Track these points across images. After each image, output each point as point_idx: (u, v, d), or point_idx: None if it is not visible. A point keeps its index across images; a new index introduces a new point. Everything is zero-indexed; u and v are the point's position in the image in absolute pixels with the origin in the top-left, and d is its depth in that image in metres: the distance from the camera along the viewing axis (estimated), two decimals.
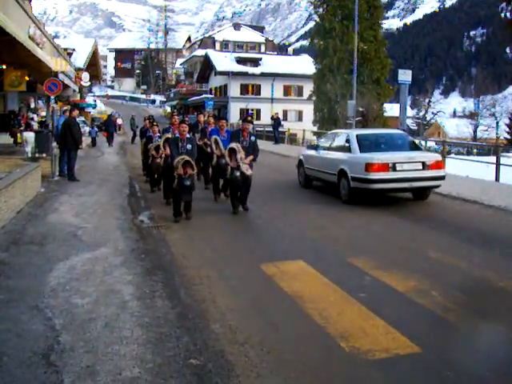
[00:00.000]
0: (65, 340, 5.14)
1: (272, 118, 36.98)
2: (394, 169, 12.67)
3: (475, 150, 48.12)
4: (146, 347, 5.04)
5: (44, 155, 17.86)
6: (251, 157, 12.10)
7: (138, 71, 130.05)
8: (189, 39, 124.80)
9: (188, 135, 11.56)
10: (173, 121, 14.47)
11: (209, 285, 6.97)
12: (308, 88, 50.62)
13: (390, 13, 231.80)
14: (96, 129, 34.92)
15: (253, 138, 12.29)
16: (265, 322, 5.77)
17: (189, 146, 11.29)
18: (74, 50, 39.55)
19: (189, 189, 10.95)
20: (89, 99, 58.63)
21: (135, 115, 46.18)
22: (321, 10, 43.61)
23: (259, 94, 63.15)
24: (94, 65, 43.23)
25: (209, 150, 14.28)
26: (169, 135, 13.23)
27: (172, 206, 11.45)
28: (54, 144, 17.61)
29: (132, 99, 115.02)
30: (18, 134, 21.75)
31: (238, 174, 11.67)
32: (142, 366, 4.67)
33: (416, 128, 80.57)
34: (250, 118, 12.82)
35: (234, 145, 11.81)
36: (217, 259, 8.40)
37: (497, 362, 4.92)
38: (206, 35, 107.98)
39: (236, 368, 4.69)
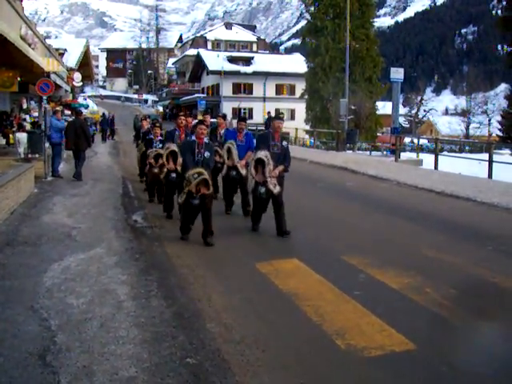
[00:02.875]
0: (61, 340, 5.14)
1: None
2: None
3: (467, 148, 48.25)
4: (142, 347, 5.04)
5: (37, 156, 17.79)
6: (281, 168, 9.83)
7: (129, 71, 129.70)
8: (180, 39, 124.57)
9: (206, 140, 9.54)
10: (179, 122, 11.96)
11: (204, 284, 6.98)
12: (300, 87, 50.66)
13: (382, 11, 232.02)
14: (94, 127, 36.64)
15: (285, 144, 10.09)
16: (260, 321, 5.78)
17: (207, 154, 9.31)
18: (65, 50, 39.41)
19: (195, 210, 9.31)
20: (81, 99, 58.46)
21: (139, 115, 46.05)
22: (312, 8, 43.63)
23: (251, 93, 63.16)
24: (85, 65, 43.05)
25: (220, 158, 12.19)
26: (174, 147, 11.23)
27: (180, 222, 9.73)
28: (47, 145, 17.56)
29: (125, 99, 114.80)
30: (11, 135, 21.66)
31: (262, 190, 9.66)
32: (138, 365, 4.67)
33: (408, 126, 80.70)
34: (281, 115, 10.41)
35: (262, 155, 9.58)
36: (211, 258, 8.40)
37: (491, 358, 4.95)
38: (198, 34, 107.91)
39: (232, 367, 4.70)
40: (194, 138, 9.52)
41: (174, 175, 11.11)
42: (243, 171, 11.59)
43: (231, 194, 12.23)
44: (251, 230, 10.19)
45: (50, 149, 17.48)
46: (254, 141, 11.21)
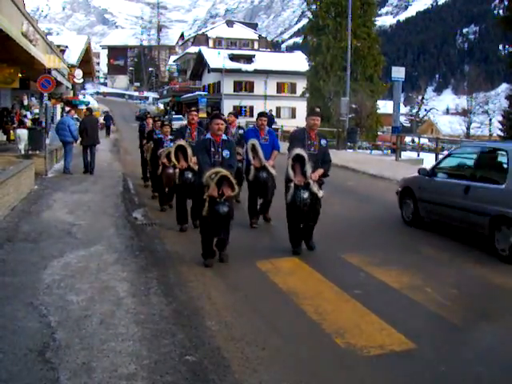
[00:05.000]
0: (60, 337, 5.14)
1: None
2: None
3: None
4: (141, 344, 5.04)
5: (37, 152, 17.80)
6: (321, 171, 8.25)
7: (130, 68, 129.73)
8: (182, 36, 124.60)
9: (225, 136, 8.02)
10: (190, 118, 10.59)
11: (204, 281, 6.98)
12: (301, 85, 50.63)
13: (383, 10, 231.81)
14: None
15: (324, 142, 8.44)
16: (260, 319, 5.78)
17: (226, 153, 7.79)
18: (66, 46, 39.29)
19: (226, 219, 7.55)
20: (86, 96, 58.69)
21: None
22: (314, 6, 43.58)
23: (252, 91, 63.12)
24: (87, 62, 42.93)
25: (240, 155, 11.02)
26: (182, 142, 9.98)
27: (201, 241, 7.99)
28: (48, 141, 17.58)
29: (129, 97, 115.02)
30: (11, 131, 21.67)
31: (305, 195, 7.90)
32: (137, 362, 4.67)
33: (409, 125, 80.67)
34: (318, 110, 8.62)
35: (299, 151, 7.96)
36: None
37: (491, 358, 4.95)
38: (199, 32, 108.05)
39: (232, 364, 4.71)
40: (209, 135, 7.95)
41: (189, 175, 9.77)
42: (273, 171, 10.19)
43: (257, 201, 10.58)
44: (292, 254, 8.35)
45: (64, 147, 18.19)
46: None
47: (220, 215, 7.36)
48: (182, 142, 10.02)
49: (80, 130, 18.40)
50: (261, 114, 10.96)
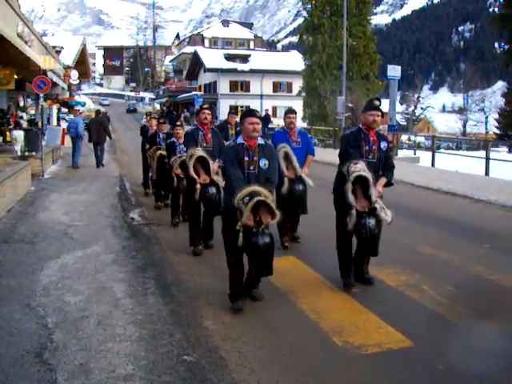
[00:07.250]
0: (58, 338, 5.13)
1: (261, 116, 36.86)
2: None
3: (464, 145, 48.30)
4: (139, 344, 5.04)
5: (33, 153, 17.78)
6: (383, 181, 6.65)
7: (126, 69, 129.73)
8: (177, 36, 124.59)
9: (261, 140, 6.00)
10: (202, 118, 8.44)
11: (201, 281, 6.98)
12: (297, 84, 50.62)
13: (379, 8, 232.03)
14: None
15: (384, 145, 6.63)
16: (257, 318, 5.78)
17: (264, 163, 5.88)
18: (62, 47, 39.19)
19: (267, 254, 5.71)
20: (83, 97, 58.76)
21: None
22: (309, 5, 43.55)
23: (248, 91, 63.15)
24: (82, 62, 42.84)
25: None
26: (199, 151, 8.12)
27: (228, 280, 6.26)
28: (44, 143, 17.55)
29: (121, 97, 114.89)
30: (7, 133, 21.64)
31: (372, 223, 6.27)
32: (135, 363, 4.66)
33: (405, 123, 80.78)
34: (377, 102, 6.65)
35: (361, 170, 6.16)
36: (209, 256, 8.40)
37: (488, 356, 4.95)
38: (195, 32, 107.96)
39: (229, 364, 4.70)
40: (240, 139, 6.00)
41: (212, 190, 8.04)
42: (310, 181, 8.90)
43: (287, 218, 8.42)
44: (344, 288, 6.76)
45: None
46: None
47: (260, 249, 5.61)
48: (200, 152, 8.13)
49: (88, 130, 20.91)
50: (289, 111, 9.05)
